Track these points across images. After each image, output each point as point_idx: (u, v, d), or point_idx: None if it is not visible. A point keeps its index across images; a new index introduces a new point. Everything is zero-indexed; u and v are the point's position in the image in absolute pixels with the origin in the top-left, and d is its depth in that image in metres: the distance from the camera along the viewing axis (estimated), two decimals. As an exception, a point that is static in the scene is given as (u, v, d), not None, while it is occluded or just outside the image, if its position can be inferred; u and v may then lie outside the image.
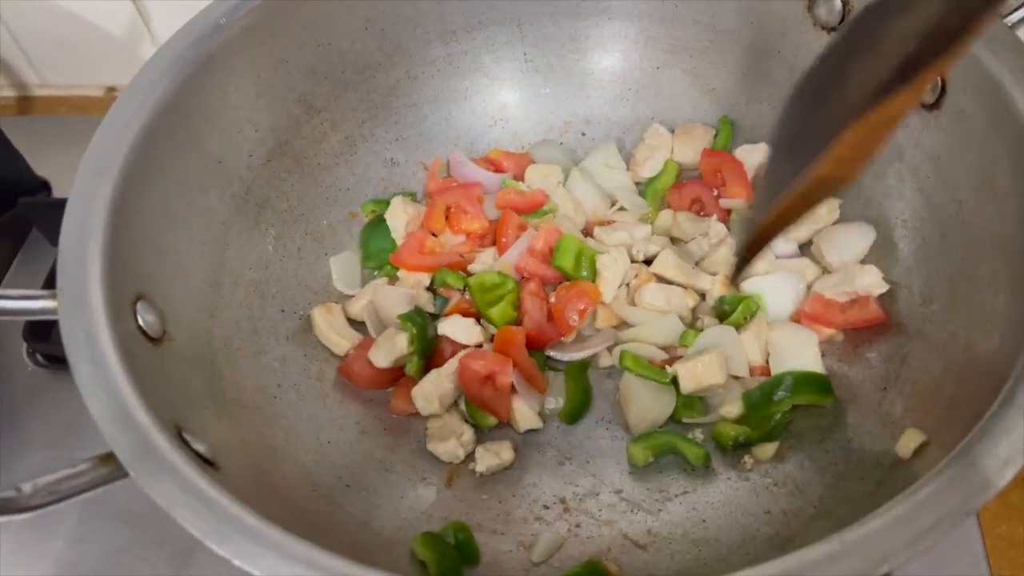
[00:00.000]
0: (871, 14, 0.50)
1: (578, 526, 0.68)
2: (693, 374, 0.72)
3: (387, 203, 0.86)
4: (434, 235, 0.84)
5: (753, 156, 0.85)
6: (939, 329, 0.66)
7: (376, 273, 0.84)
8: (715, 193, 0.86)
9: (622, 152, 0.90)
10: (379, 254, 0.84)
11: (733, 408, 0.72)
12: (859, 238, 0.77)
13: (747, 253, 0.59)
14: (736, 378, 0.74)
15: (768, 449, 0.69)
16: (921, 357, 0.66)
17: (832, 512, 0.61)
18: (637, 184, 0.89)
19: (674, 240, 0.85)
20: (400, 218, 0.84)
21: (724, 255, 0.80)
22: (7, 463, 0.83)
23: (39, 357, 0.91)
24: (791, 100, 0.55)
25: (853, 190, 0.78)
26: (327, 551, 0.47)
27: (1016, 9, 0.65)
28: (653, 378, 0.73)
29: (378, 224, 0.85)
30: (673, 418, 0.73)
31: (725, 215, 0.84)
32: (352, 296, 0.82)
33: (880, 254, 0.75)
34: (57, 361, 0.90)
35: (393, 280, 0.83)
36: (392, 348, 0.74)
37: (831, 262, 0.77)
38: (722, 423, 0.71)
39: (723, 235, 0.81)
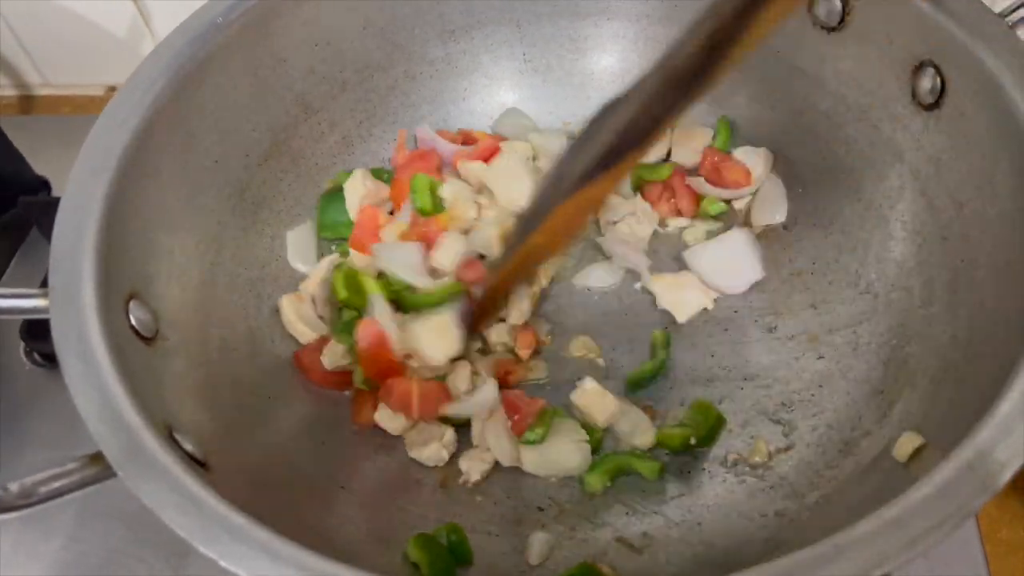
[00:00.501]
0: (602, 109, 0.57)
1: (573, 528, 0.67)
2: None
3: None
4: (391, 213, 0.83)
5: (754, 158, 0.84)
6: (939, 331, 0.65)
7: (334, 248, 0.83)
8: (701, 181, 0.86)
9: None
10: (334, 227, 0.82)
11: (646, 437, 0.71)
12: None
13: (479, 312, 0.70)
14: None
15: (761, 448, 0.69)
16: (920, 359, 0.66)
17: (829, 515, 0.61)
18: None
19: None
20: (357, 191, 0.82)
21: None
22: (6, 462, 0.82)
23: (37, 356, 0.91)
24: (540, 182, 0.63)
25: (852, 192, 0.77)
26: (317, 553, 0.47)
27: (1016, 8, 0.64)
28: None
29: (336, 195, 0.83)
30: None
31: (694, 202, 0.85)
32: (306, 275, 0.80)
33: (880, 256, 0.74)
34: (55, 360, 0.88)
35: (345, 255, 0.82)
36: (336, 352, 0.74)
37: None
38: (666, 429, 0.71)
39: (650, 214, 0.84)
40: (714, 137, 0.87)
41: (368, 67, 0.84)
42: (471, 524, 0.67)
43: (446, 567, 0.63)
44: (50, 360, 0.90)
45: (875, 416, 0.66)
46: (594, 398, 0.71)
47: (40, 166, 1.06)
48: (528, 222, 0.63)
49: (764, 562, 0.44)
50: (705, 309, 0.79)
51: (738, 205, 0.86)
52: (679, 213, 0.86)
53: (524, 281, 0.68)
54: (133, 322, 0.60)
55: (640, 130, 0.53)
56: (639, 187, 0.86)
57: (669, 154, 0.89)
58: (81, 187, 0.61)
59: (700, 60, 0.49)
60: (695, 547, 0.64)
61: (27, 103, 1.23)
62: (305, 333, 0.76)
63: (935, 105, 0.68)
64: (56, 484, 0.50)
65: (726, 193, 0.85)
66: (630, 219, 0.84)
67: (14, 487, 0.48)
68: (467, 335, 0.71)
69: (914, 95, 0.70)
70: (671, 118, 0.53)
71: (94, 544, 0.78)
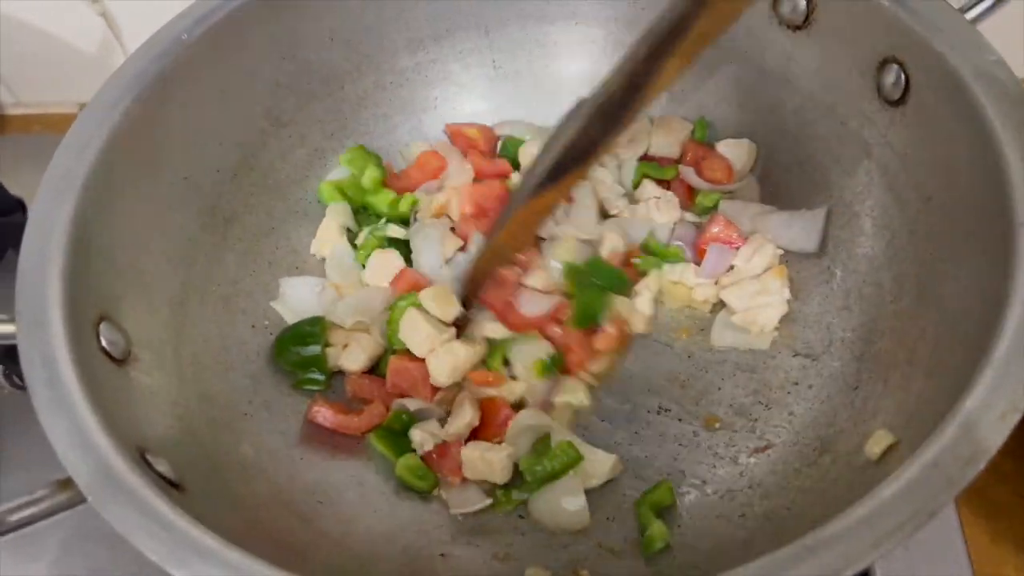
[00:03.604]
0: (562, 122, 0.65)
1: (553, 534, 0.68)
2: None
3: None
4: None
5: (735, 151, 0.84)
6: (909, 325, 0.65)
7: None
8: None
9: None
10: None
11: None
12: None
13: (468, 288, 0.77)
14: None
15: (739, 447, 0.69)
16: (892, 354, 0.66)
17: (806, 515, 0.61)
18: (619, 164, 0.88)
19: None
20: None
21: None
22: (-12, 485, 0.82)
23: (16, 379, 0.91)
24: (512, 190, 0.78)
25: (823, 188, 0.78)
26: (291, 573, 0.47)
27: (975, 4, 0.65)
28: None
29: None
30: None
31: (689, 196, 0.85)
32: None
33: (851, 251, 0.75)
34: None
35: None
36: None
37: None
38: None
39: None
40: (693, 132, 0.87)
41: (337, 79, 0.84)
42: (452, 535, 0.68)
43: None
44: (28, 382, 0.90)
45: (849, 413, 0.66)
46: None
47: (14, 186, 1.05)
48: (496, 224, 0.76)
49: (739, 565, 0.45)
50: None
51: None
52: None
53: (495, 271, 0.77)
54: (104, 344, 0.60)
55: (579, 151, 0.64)
56: (638, 185, 0.87)
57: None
58: (46, 209, 0.61)
59: (622, 95, 0.60)
60: (675, 550, 0.64)
61: (-1, 123, 1.23)
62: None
63: (900, 101, 0.68)
64: (27, 512, 0.50)
65: (707, 187, 0.85)
66: (651, 204, 0.84)
67: (-19, 517, 0.48)
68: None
69: (880, 91, 0.70)
70: (605, 142, 0.63)
71: (79, 567, 0.77)
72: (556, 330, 0.76)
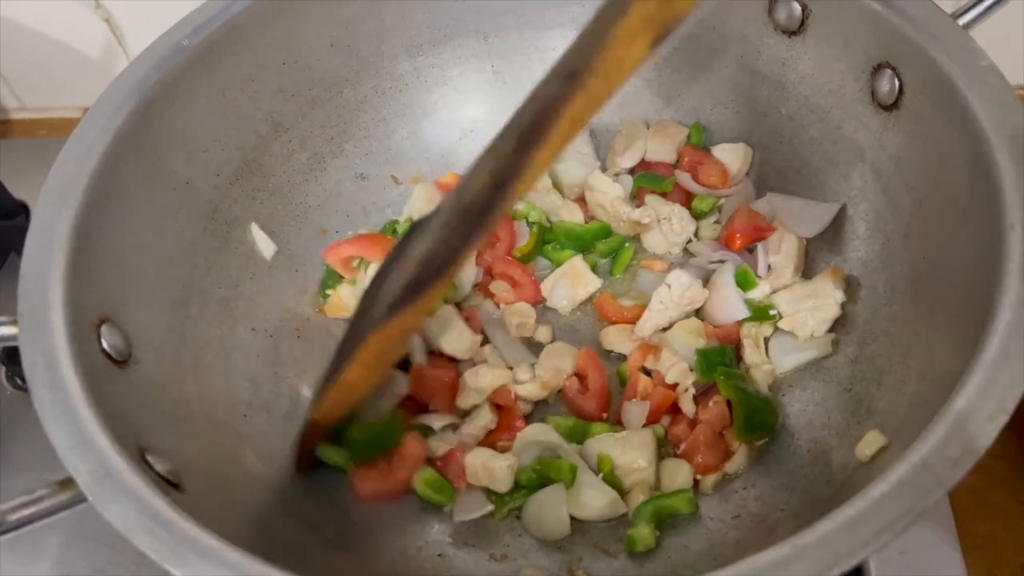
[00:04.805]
0: (409, 230, 0.59)
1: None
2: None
3: None
4: None
5: (731, 155, 0.85)
6: (902, 328, 0.66)
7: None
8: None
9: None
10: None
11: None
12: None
13: (302, 442, 0.69)
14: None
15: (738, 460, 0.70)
16: (886, 357, 0.66)
17: (799, 515, 0.61)
18: (616, 175, 0.89)
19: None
20: None
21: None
22: (-11, 485, 0.83)
23: (18, 380, 0.91)
24: (353, 313, 0.65)
25: (817, 192, 0.78)
26: (289, 572, 0.48)
27: (968, 10, 0.65)
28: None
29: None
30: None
31: (686, 201, 0.86)
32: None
33: (845, 255, 0.76)
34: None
35: None
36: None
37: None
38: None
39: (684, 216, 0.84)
40: (688, 136, 0.88)
41: (337, 84, 0.85)
42: (448, 536, 0.68)
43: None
44: (31, 384, 0.90)
45: (844, 415, 0.67)
46: None
47: (18, 190, 1.06)
48: (341, 355, 0.63)
49: (729, 564, 0.45)
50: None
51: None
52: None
53: (345, 413, 0.67)
54: (105, 346, 0.60)
55: (440, 262, 0.55)
56: (636, 195, 0.87)
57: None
58: (48, 213, 0.62)
59: (487, 195, 0.52)
60: (669, 550, 0.65)
61: (4, 127, 1.23)
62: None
63: (894, 106, 0.69)
64: (27, 511, 0.50)
65: (703, 192, 0.85)
66: (664, 224, 0.84)
67: (-17, 516, 0.49)
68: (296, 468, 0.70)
69: (874, 96, 0.71)
70: (468, 249, 0.55)
71: (81, 567, 0.78)
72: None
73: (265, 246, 0.81)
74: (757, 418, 0.68)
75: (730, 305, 0.76)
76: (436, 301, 0.61)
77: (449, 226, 0.54)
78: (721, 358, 0.72)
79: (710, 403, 0.71)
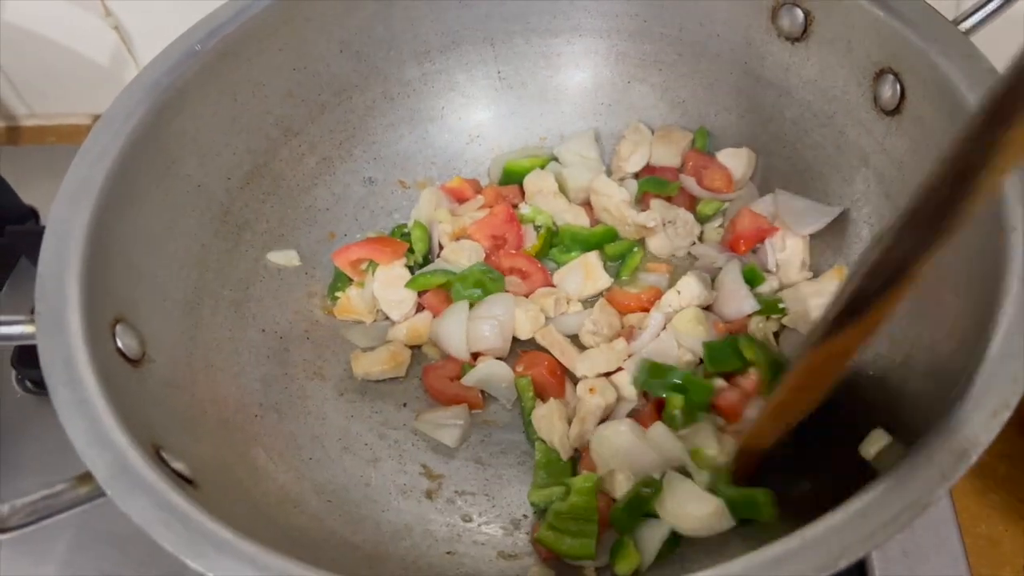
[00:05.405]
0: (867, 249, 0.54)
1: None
2: None
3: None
4: None
5: (735, 159, 0.86)
6: (905, 329, 0.66)
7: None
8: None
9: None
10: None
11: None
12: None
13: (736, 464, 0.67)
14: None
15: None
16: (889, 357, 0.67)
17: (804, 510, 0.62)
18: (621, 179, 0.89)
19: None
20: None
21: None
22: (-2, 488, 0.83)
23: (28, 383, 0.92)
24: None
25: (823, 196, 0.79)
26: (304, 564, 0.48)
27: (968, 16, 0.66)
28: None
29: None
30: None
31: (690, 205, 0.86)
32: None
33: (848, 258, 0.76)
34: (45, 387, 0.91)
35: None
36: None
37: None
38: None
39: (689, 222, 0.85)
40: (693, 141, 0.89)
41: (346, 89, 0.86)
42: (457, 534, 0.69)
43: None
44: (41, 387, 0.91)
45: (847, 413, 0.67)
46: None
47: (27, 196, 1.07)
48: (780, 382, 0.59)
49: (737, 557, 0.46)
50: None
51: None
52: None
53: (779, 434, 0.62)
54: (119, 346, 0.61)
55: (884, 276, 0.47)
56: (641, 199, 0.88)
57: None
58: (64, 216, 0.63)
59: (944, 194, 0.42)
60: (675, 544, 0.65)
61: (14, 133, 1.25)
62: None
63: (896, 110, 0.70)
64: (46, 504, 0.51)
65: (707, 196, 0.87)
66: (669, 228, 0.85)
67: (4, 508, 0.49)
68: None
69: (876, 101, 0.72)
70: (918, 261, 0.46)
71: (87, 568, 0.78)
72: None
73: (288, 259, 0.83)
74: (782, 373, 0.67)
75: (739, 299, 0.77)
76: (883, 319, 0.50)
77: (898, 233, 0.45)
78: (731, 348, 0.73)
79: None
